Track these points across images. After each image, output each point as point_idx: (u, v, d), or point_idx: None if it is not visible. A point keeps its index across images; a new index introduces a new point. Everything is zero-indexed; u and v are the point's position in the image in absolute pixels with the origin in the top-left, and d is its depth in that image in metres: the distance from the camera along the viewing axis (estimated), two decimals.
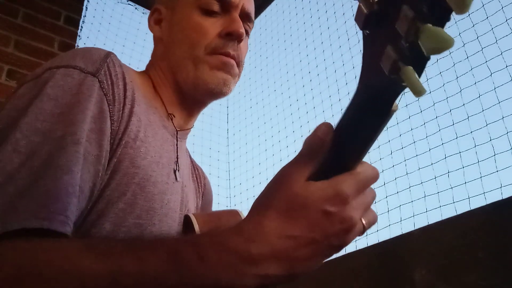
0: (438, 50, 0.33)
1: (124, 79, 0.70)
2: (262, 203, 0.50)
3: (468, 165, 1.43)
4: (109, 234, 0.64)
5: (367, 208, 0.50)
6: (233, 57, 0.81)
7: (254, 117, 2.84)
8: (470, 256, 1.24)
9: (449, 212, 1.41)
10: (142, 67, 0.92)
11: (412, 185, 1.58)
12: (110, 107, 0.66)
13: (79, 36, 2.53)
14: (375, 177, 0.50)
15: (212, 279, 0.45)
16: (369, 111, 0.43)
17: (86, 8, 2.64)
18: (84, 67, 0.65)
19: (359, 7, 0.39)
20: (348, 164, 0.48)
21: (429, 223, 1.43)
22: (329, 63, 2.29)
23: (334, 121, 0.49)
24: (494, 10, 1.42)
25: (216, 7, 0.81)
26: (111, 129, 0.65)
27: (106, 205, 0.65)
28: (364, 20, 0.39)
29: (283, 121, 2.55)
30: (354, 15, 0.40)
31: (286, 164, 0.51)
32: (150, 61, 0.90)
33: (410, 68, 0.35)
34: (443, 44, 0.32)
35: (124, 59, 2.66)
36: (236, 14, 0.82)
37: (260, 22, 2.96)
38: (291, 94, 2.56)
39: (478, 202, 1.33)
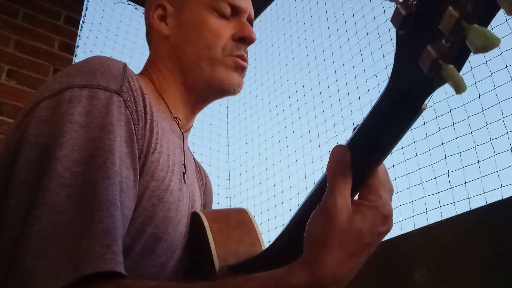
0: (487, 49, 0.34)
1: (142, 93, 0.70)
2: (321, 243, 0.49)
3: (468, 165, 1.43)
4: (127, 247, 0.64)
5: (389, 185, 0.55)
6: (245, 60, 0.84)
7: (254, 117, 2.84)
8: (470, 256, 1.24)
9: (449, 212, 1.41)
10: (142, 67, 0.91)
11: (412, 185, 1.59)
12: (135, 126, 0.65)
13: (79, 36, 2.53)
14: (386, 173, 0.55)
15: None
16: (400, 108, 0.44)
17: (86, 8, 2.64)
18: (107, 86, 0.63)
19: (396, 8, 0.41)
20: (374, 166, 0.52)
21: (429, 223, 1.43)
22: (329, 63, 2.29)
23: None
24: None
25: (227, 11, 0.83)
26: (138, 149, 0.65)
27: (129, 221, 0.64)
28: (401, 21, 0.41)
29: (283, 121, 2.55)
30: (391, 17, 0.42)
31: (326, 196, 0.50)
32: (151, 61, 0.88)
33: (452, 66, 0.37)
34: (493, 43, 0.34)
35: (124, 59, 2.66)
36: (245, 19, 0.85)
37: (260, 22, 2.96)
38: (291, 94, 2.56)
39: (478, 202, 1.33)
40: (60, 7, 2.51)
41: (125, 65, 0.70)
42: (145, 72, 0.87)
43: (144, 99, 0.69)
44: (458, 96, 1.51)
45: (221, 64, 0.81)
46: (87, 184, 0.54)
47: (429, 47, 0.38)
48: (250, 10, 0.88)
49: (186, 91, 0.84)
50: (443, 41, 0.37)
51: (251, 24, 0.89)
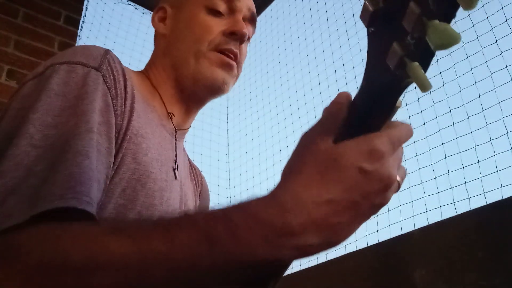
0: (446, 46, 0.33)
1: (124, 75, 0.71)
2: (292, 170, 0.46)
3: (468, 165, 1.43)
4: None
5: (399, 165, 0.48)
6: (234, 55, 0.83)
7: (254, 117, 2.84)
8: (470, 256, 1.24)
9: (449, 212, 1.41)
10: (142, 67, 0.92)
11: (412, 185, 1.58)
12: (114, 101, 0.66)
13: (79, 36, 2.53)
14: (408, 133, 0.47)
15: (248, 255, 0.43)
16: (374, 108, 0.43)
17: (86, 8, 2.64)
18: (86, 62, 0.66)
19: (364, 5, 0.40)
20: None
21: (429, 223, 1.44)
22: (329, 63, 2.29)
23: None
24: (494, 10, 1.43)
25: (222, 7, 0.84)
26: (115, 123, 0.66)
27: (108, 199, 0.65)
28: (369, 17, 0.40)
29: (283, 121, 2.55)
30: (360, 13, 0.41)
31: (308, 130, 0.48)
32: (150, 60, 0.91)
33: (416, 64, 0.36)
34: (451, 40, 0.33)
35: (124, 59, 2.66)
36: (240, 16, 0.85)
37: (260, 22, 2.95)
38: (291, 94, 2.56)
39: (478, 202, 1.33)
40: (60, 7, 2.51)
41: (108, 50, 0.71)
42: (144, 70, 0.90)
43: (125, 80, 0.70)
44: (458, 96, 1.51)
45: (205, 58, 0.81)
46: (58, 144, 0.56)
47: (395, 44, 0.37)
48: (250, 7, 0.88)
49: (178, 86, 0.85)
50: (409, 38, 0.36)
51: (254, 22, 0.89)
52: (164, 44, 0.88)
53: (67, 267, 0.46)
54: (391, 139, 0.44)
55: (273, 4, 2.89)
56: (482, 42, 1.45)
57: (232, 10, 0.85)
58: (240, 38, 0.83)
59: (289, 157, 0.48)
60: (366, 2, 0.39)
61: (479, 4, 1.46)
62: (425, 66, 0.36)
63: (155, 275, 0.45)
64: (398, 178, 0.47)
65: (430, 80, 0.36)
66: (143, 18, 2.90)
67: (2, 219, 0.49)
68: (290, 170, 0.46)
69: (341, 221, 0.43)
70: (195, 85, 0.82)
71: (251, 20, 0.89)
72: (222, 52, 0.82)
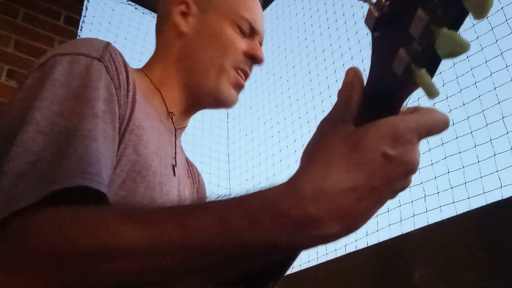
0: (455, 54, 0.33)
1: (125, 66, 0.71)
2: (312, 157, 0.44)
3: (468, 165, 1.43)
4: None
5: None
6: (247, 76, 0.89)
7: (254, 117, 2.84)
8: (470, 256, 1.24)
9: (449, 212, 1.41)
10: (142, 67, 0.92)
11: (412, 185, 1.58)
12: (117, 91, 0.66)
13: (79, 36, 2.53)
14: (441, 126, 0.44)
15: (265, 244, 0.42)
16: (378, 113, 0.42)
17: (86, 8, 2.64)
18: (89, 53, 0.66)
19: (369, 9, 0.39)
20: None
21: (429, 223, 1.44)
22: (329, 63, 2.29)
23: None
24: (494, 10, 1.42)
25: (247, 29, 0.88)
26: (118, 113, 0.66)
27: (108, 189, 0.63)
28: (374, 22, 0.39)
29: (283, 121, 2.55)
30: (364, 17, 0.40)
31: (326, 116, 0.46)
32: (154, 57, 0.89)
33: (424, 70, 0.35)
34: (460, 49, 0.32)
35: None
36: (257, 40, 0.90)
37: None
38: (291, 94, 2.56)
39: (478, 202, 1.33)
40: (60, 7, 2.51)
41: (109, 42, 0.72)
42: (144, 67, 0.89)
43: (127, 72, 0.71)
44: (458, 95, 1.51)
45: (226, 75, 0.84)
46: (64, 130, 0.56)
47: (401, 51, 0.36)
48: (263, 35, 0.93)
49: (185, 89, 0.85)
50: (416, 45, 0.35)
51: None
52: (180, 43, 0.86)
53: (76, 253, 0.45)
54: (419, 128, 0.41)
55: (273, 4, 2.89)
56: (482, 42, 1.45)
57: (252, 33, 0.89)
58: (258, 63, 0.89)
59: (308, 144, 0.47)
60: (371, 7, 0.39)
61: None
62: (432, 72, 0.36)
63: (168, 261, 0.43)
64: None
65: (437, 87, 0.35)
66: (143, 18, 2.90)
67: (11, 202, 0.48)
68: (310, 158, 0.44)
69: (362, 208, 0.41)
70: (208, 97, 0.85)
71: (261, 43, 0.93)
72: (238, 71, 0.86)
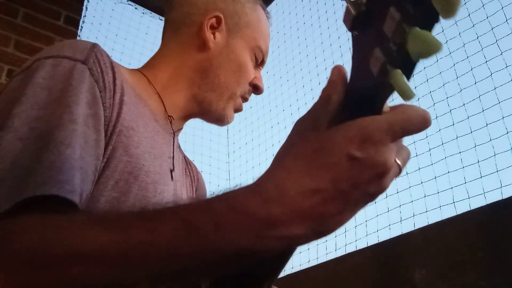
0: (425, 55, 0.31)
1: (112, 68, 0.71)
2: (280, 158, 0.44)
3: (468, 165, 1.43)
4: None
5: (399, 147, 0.44)
6: (246, 102, 0.94)
7: (254, 117, 2.84)
8: (470, 256, 1.24)
9: (449, 212, 1.41)
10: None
11: (412, 185, 1.58)
12: (102, 93, 0.66)
13: (79, 36, 2.53)
14: (421, 123, 0.42)
15: (230, 246, 0.42)
16: (360, 113, 0.41)
17: (86, 8, 2.64)
18: (73, 56, 0.66)
19: (347, 8, 0.39)
20: None
21: (429, 223, 1.44)
22: (329, 63, 2.29)
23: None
24: (494, 10, 1.43)
25: (259, 59, 0.93)
26: (104, 115, 0.66)
27: (100, 192, 0.65)
28: (352, 21, 0.39)
29: (283, 121, 2.55)
30: (343, 17, 0.40)
31: (302, 115, 0.47)
32: (165, 57, 0.89)
33: (398, 71, 0.34)
34: (430, 50, 0.31)
35: (124, 59, 2.66)
36: (260, 72, 0.95)
37: None
38: (291, 94, 2.56)
39: (478, 202, 1.33)
40: (60, 7, 2.51)
41: (96, 44, 0.72)
42: (143, 68, 0.88)
43: (114, 73, 0.71)
44: (458, 96, 1.52)
45: (233, 102, 0.90)
46: (42, 135, 0.56)
47: (377, 50, 0.35)
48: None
49: (192, 100, 0.87)
50: (391, 44, 0.34)
51: None
52: (201, 57, 0.86)
53: (48, 259, 0.45)
54: (392, 127, 0.40)
55: (272, 4, 2.89)
56: (482, 42, 1.45)
57: (262, 63, 0.94)
58: (258, 94, 0.94)
59: (281, 145, 0.47)
60: (349, 6, 0.38)
61: (479, 4, 1.46)
62: (408, 73, 0.34)
63: (137, 265, 0.44)
64: (399, 162, 0.43)
65: (413, 89, 0.34)
66: (143, 18, 2.90)
67: None
68: (279, 159, 0.45)
69: (328, 211, 0.40)
70: (212, 114, 0.89)
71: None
72: (242, 98, 0.92)
